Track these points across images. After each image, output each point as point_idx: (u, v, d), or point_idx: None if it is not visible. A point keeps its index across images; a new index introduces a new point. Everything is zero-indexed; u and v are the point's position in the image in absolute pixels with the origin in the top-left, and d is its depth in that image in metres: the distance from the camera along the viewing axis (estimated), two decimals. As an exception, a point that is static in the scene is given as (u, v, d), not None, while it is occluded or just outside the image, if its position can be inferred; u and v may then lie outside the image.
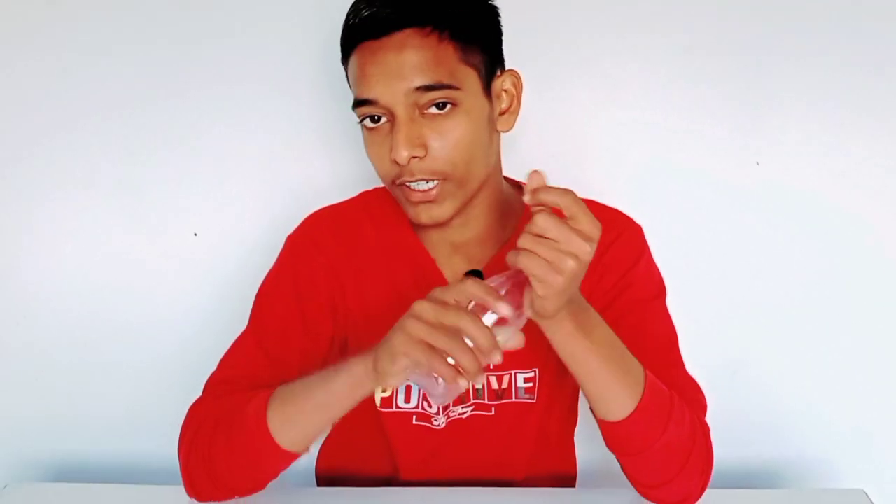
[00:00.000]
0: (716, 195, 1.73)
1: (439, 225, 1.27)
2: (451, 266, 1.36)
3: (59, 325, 1.79)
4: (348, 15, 1.23)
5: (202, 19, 1.67)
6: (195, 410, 1.28)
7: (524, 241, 0.99)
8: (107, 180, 1.73)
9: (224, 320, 1.42)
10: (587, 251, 0.99)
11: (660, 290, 1.38)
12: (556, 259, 0.98)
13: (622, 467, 1.25)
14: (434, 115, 1.20)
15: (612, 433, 1.20)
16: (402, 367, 1.03)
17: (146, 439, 1.73)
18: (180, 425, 1.28)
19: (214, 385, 1.31)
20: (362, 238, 1.37)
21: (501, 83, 1.27)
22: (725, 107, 1.69)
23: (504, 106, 1.28)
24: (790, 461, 1.82)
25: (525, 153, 1.35)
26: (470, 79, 1.22)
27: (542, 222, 0.98)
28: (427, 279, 1.35)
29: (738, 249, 1.77)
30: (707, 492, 1.27)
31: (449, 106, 1.20)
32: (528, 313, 1.05)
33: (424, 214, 1.24)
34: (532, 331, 1.19)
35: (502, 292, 1.03)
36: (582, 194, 1.09)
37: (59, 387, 1.82)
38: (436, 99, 1.19)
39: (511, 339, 1.05)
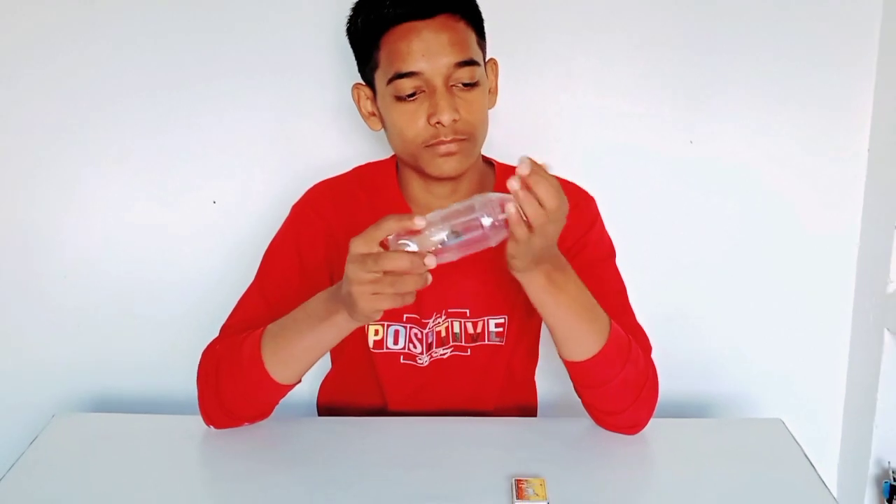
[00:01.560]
0: (657, 170, 1.82)
1: (454, 178, 1.34)
2: None
3: (97, 281, 1.85)
4: (374, 1, 1.28)
5: (222, 17, 1.73)
6: (207, 353, 1.34)
7: (520, 197, 1.03)
8: (137, 156, 1.80)
9: (237, 277, 1.46)
10: (559, 227, 1.07)
11: (611, 251, 1.46)
12: (538, 219, 1.04)
13: (581, 399, 1.32)
14: (460, 89, 1.29)
15: (577, 370, 1.27)
16: (377, 316, 1.10)
17: (172, 377, 1.79)
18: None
19: (223, 330, 1.37)
20: (357, 205, 1.42)
21: (489, 67, 1.37)
22: (667, 95, 1.78)
23: (491, 86, 1.38)
24: (718, 395, 1.89)
25: (493, 134, 1.39)
26: (482, 60, 1.34)
27: (543, 189, 1.02)
28: None
29: (676, 216, 1.85)
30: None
31: (474, 83, 1.30)
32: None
33: (447, 166, 1.31)
34: (503, 280, 1.30)
35: (453, 223, 1.05)
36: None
37: (97, 334, 1.88)
38: (464, 78, 1.29)
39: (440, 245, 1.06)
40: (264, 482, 1.19)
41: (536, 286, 1.17)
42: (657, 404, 1.33)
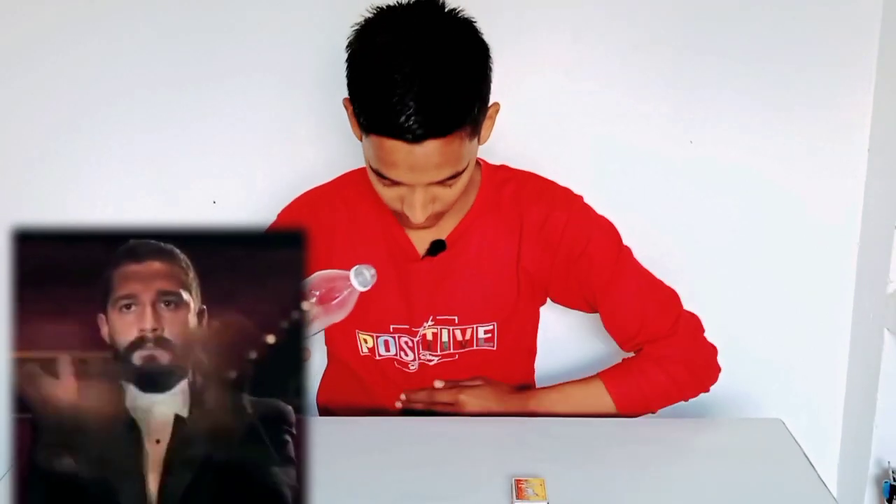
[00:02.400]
0: (656, 169, 1.82)
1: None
2: (420, 237, 1.42)
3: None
4: (375, 96, 1.20)
5: (225, 15, 1.74)
6: None
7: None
8: (137, 153, 1.80)
9: None
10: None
11: (618, 246, 1.44)
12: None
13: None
14: (441, 184, 1.27)
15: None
16: None
17: None
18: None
19: None
20: (336, 221, 1.43)
21: (486, 114, 1.31)
22: (667, 94, 1.78)
23: (484, 132, 1.33)
24: (717, 395, 1.70)
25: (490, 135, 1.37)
26: (472, 147, 1.27)
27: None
28: (400, 249, 1.43)
29: (675, 216, 1.84)
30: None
31: (457, 177, 1.27)
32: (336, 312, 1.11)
33: (419, 226, 1.32)
34: (493, 290, 1.40)
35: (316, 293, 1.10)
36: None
37: None
38: (447, 182, 1.26)
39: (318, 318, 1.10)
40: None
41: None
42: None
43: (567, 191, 1.46)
